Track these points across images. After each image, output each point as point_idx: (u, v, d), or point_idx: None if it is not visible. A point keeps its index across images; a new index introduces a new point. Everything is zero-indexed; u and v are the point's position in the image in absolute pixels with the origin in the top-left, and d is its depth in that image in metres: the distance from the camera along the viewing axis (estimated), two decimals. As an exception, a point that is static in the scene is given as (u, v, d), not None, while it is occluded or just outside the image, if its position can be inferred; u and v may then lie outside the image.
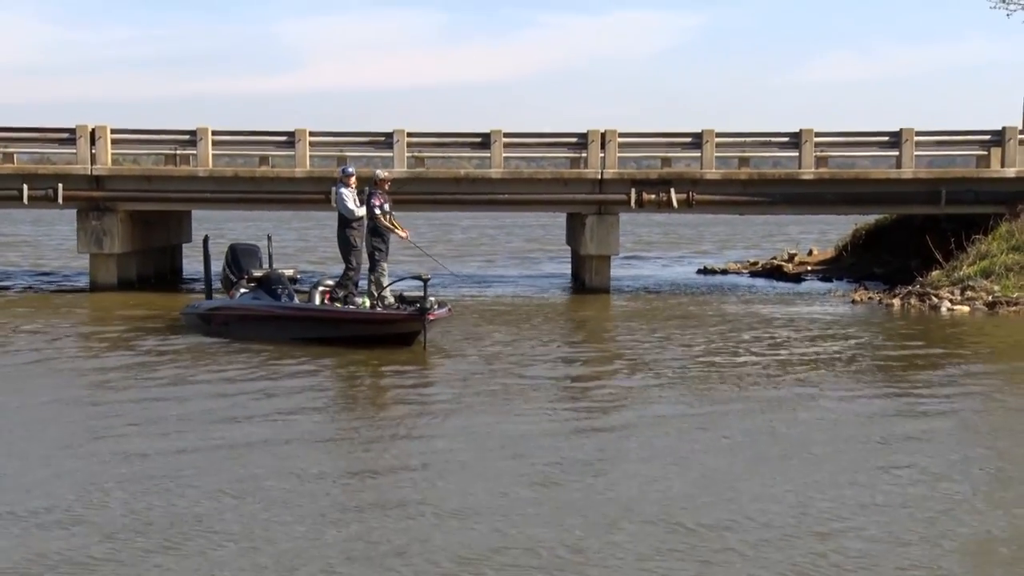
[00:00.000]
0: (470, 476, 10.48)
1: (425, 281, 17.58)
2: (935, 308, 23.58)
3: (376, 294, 18.66)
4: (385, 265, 18.87)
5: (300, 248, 40.91)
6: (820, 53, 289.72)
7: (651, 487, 10.13)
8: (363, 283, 19.20)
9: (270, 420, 12.82)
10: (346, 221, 18.93)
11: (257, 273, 19.76)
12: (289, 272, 20.26)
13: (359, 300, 18.73)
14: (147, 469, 10.66)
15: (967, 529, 9.10)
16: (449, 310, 18.75)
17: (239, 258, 20.08)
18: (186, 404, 13.64)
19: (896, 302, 24.43)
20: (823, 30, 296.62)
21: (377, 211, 18.62)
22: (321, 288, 19.12)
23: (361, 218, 18.76)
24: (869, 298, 25.41)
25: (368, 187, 19.01)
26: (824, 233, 44.69)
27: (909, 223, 30.36)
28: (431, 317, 17.58)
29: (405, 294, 18.56)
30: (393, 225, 18.81)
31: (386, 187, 19.03)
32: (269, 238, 21.28)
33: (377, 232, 18.80)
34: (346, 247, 18.95)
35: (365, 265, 18.97)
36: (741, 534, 8.90)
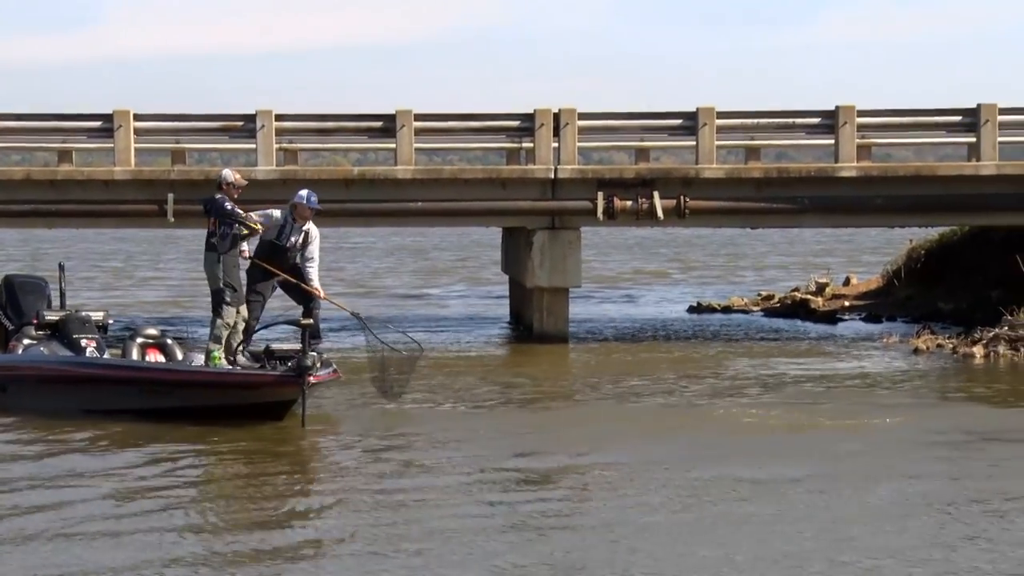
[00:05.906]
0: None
1: (306, 328, 17.04)
2: (1034, 359, 23.01)
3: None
4: (233, 310, 17.86)
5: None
6: (820, 7, 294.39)
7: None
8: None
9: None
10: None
11: (51, 316, 19.21)
12: (97, 316, 19.70)
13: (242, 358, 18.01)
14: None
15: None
16: (335, 371, 18.21)
17: (18, 297, 19.62)
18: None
19: (978, 351, 23.94)
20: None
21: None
22: (140, 340, 18.61)
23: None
24: (938, 345, 24.91)
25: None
26: (860, 254, 44.23)
27: (987, 239, 30.03)
28: (312, 380, 16.88)
29: (273, 347, 17.81)
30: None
31: (235, 195, 18.24)
32: (61, 268, 20.83)
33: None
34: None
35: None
36: None
